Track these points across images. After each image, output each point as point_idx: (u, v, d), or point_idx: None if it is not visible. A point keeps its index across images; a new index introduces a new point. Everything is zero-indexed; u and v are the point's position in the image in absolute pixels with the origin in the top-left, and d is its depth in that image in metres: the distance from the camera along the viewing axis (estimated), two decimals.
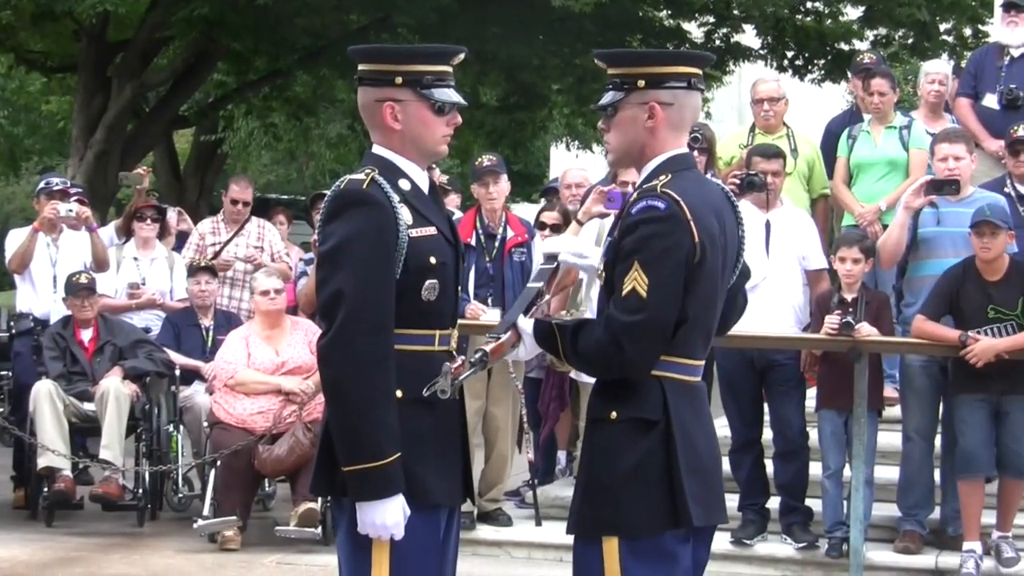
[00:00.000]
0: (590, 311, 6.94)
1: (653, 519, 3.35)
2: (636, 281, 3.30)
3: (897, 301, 7.42)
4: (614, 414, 3.39)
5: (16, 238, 9.04)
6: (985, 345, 6.74)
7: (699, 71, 3.54)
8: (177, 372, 8.62)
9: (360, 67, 3.61)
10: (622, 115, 3.50)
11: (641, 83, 3.47)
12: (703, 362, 3.50)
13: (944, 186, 7.10)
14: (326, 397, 3.49)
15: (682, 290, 3.33)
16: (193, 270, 9.07)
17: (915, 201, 7.14)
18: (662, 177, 3.41)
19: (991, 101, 8.50)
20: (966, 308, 6.87)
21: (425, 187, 3.61)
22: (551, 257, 3.67)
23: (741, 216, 3.59)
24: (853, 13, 15.56)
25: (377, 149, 3.59)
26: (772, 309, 7.14)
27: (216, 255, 9.37)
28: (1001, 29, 8.77)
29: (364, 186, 3.45)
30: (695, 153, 6.25)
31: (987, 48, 9.21)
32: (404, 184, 3.53)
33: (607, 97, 3.52)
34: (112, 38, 15.02)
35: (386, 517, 3.39)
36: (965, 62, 9.47)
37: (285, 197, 20.49)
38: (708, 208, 3.42)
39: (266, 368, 8.05)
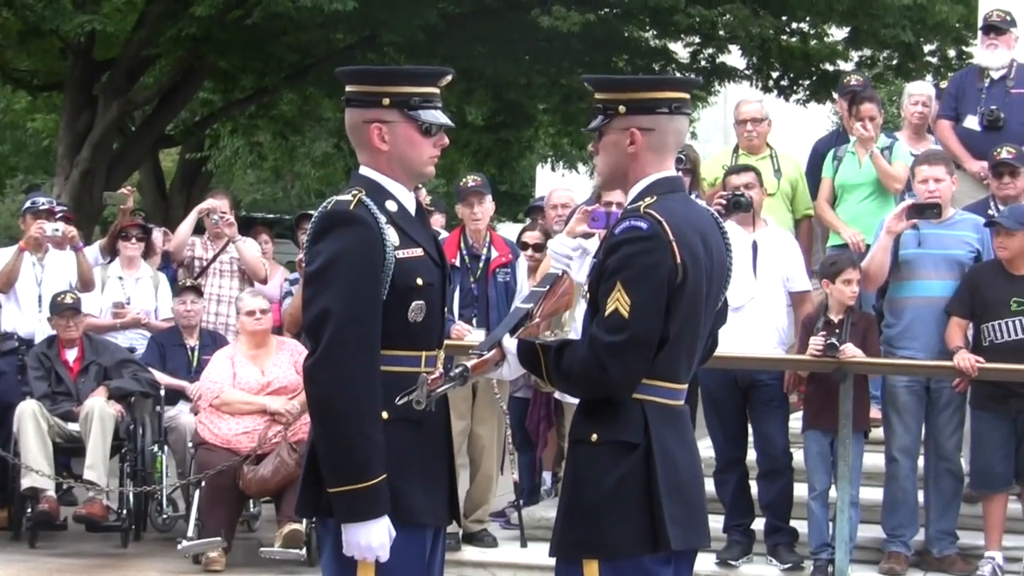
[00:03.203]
0: (574, 331, 6.93)
1: (632, 542, 3.35)
2: (619, 301, 3.31)
3: (877, 322, 7.43)
4: (595, 436, 3.40)
5: (1, 257, 9.02)
6: (969, 363, 6.77)
7: (684, 95, 3.55)
8: (162, 392, 8.60)
9: (348, 88, 3.62)
10: (606, 139, 3.53)
11: (622, 109, 3.49)
12: (686, 386, 3.51)
13: (926, 210, 7.11)
14: (312, 416, 3.49)
15: (664, 310, 3.34)
16: (179, 290, 9.07)
17: (897, 224, 7.15)
18: (648, 199, 3.43)
19: (972, 123, 8.54)
20: (989, 299, 6.88)
21: (412, 208, 3.62)
22: (545, 279, 3.68)
23: (730, 243, 3.61)
24: (838, 34, 15.61)
25: (364, 170, 3.61)
26: (757, 330, 7.16)
27: (203, 271, 9.41)
28: (982, 51, 8.83)
29: (351, 207, 3.47)
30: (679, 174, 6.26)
31: (968, 70, 9.26)
32: (391, 205, 3.55)
33: (594, 121, 3.55)
34: (99, 56, 14.99)
35: (371, 538, 3.39)
36: (946, 83, 9.50)
37: (271, 216, 20.47)
38: (693, 231, 3.43)
39: (251, 388, 8.04)
